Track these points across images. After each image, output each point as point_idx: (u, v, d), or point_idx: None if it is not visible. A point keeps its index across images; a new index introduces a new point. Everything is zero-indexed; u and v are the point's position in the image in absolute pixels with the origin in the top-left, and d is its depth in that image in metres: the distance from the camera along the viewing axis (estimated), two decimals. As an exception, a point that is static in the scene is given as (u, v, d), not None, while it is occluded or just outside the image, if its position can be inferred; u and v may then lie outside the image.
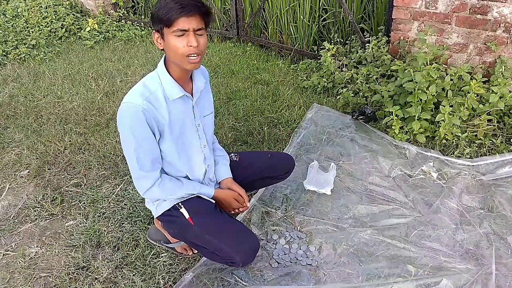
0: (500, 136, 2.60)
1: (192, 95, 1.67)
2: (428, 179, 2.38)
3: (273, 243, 2.00)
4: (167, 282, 1.82)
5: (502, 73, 2.68)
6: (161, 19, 1.46)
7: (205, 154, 1.78)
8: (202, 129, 1.75)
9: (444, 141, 2.62)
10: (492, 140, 2.59)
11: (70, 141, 2.82)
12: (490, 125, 2.64)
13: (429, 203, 2.22)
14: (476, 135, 2.61)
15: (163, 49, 1.55)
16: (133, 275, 1.84)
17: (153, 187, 1.64)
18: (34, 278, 1.86)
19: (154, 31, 1.53)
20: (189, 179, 1.77)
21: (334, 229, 2.07)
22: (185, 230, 1.70)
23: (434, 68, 2.64)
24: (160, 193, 1.67)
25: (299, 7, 3.90)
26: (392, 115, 2.69)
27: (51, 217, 2.21)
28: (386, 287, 1.74)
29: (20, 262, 1.94)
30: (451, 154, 2.56)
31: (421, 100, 2.63)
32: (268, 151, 2.58)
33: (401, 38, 3.11)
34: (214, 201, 1.77)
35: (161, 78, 1.57)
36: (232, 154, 2.00)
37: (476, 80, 2.60)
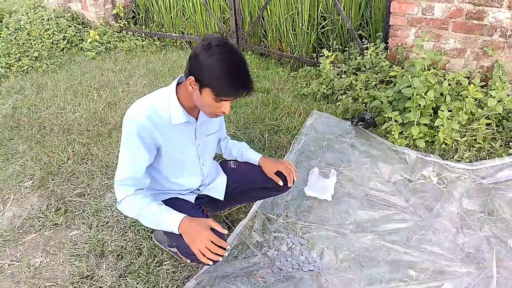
0: (499, 139, 2.62)
1: (197, 119, 1.66)
2: (428, 183, 2.40)
3: (275, 250, 2.02)
4: (171, 289, 1.84)
5: (499, 77, 2.71)
6: (215, 86, 1.40)
7: (203, 171, 1.80)
8: (202, 148, 1.74)
9: (443, 145, 2.64)
10: (491, 144, 2.60)
11: (73, 151, 2.85)
12: (489, 129, 2.66)
13: (430, 207, 2.24)
14: (475, 139, 2.63)
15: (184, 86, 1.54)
16: (137, 283, 1.86)
17: (124, 200, 1.58)
18: (39, 287, 1.88)
19: (192, 75, 1.43)
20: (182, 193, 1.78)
21: (336, 234, 2.09)
22: (175, 238, 1.63)
23: (432, 73, 2.67)
24: (129, 206, 1.59)
25: (298, 15, 3.94)
26: (391, 120, 2.71)
27: (55, 227, 2.23)
28: (387, 292, 1.75)
29: (25, 272, 1.96)
30: (451, 158, 2.58)
31: (419, 105, 2.65)
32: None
33: (399, 44, 3.14)
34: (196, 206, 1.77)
35: (170, 101, 1.56)
36: (231, 162, 2.01)
37: (474, 85, 2.62)
